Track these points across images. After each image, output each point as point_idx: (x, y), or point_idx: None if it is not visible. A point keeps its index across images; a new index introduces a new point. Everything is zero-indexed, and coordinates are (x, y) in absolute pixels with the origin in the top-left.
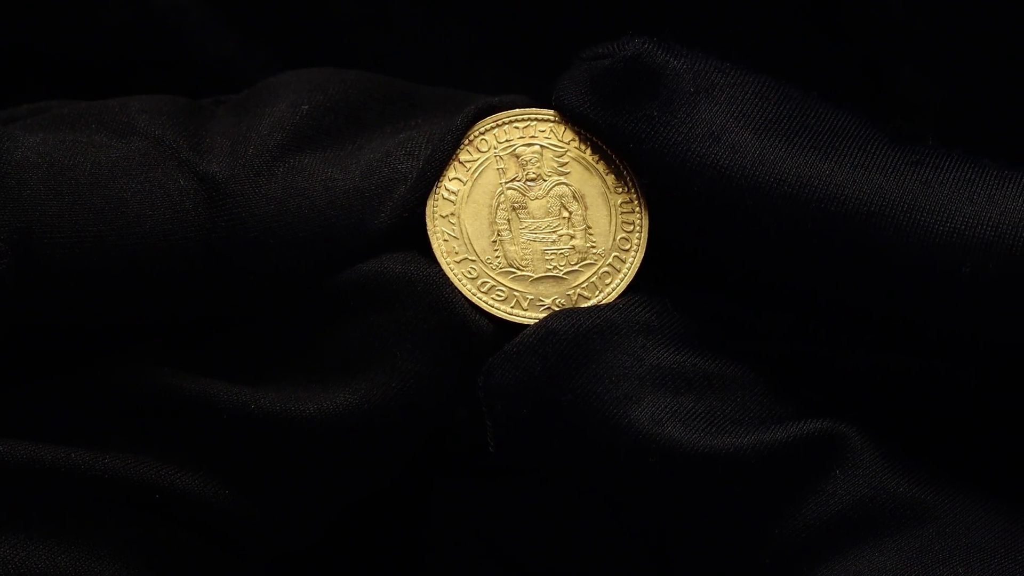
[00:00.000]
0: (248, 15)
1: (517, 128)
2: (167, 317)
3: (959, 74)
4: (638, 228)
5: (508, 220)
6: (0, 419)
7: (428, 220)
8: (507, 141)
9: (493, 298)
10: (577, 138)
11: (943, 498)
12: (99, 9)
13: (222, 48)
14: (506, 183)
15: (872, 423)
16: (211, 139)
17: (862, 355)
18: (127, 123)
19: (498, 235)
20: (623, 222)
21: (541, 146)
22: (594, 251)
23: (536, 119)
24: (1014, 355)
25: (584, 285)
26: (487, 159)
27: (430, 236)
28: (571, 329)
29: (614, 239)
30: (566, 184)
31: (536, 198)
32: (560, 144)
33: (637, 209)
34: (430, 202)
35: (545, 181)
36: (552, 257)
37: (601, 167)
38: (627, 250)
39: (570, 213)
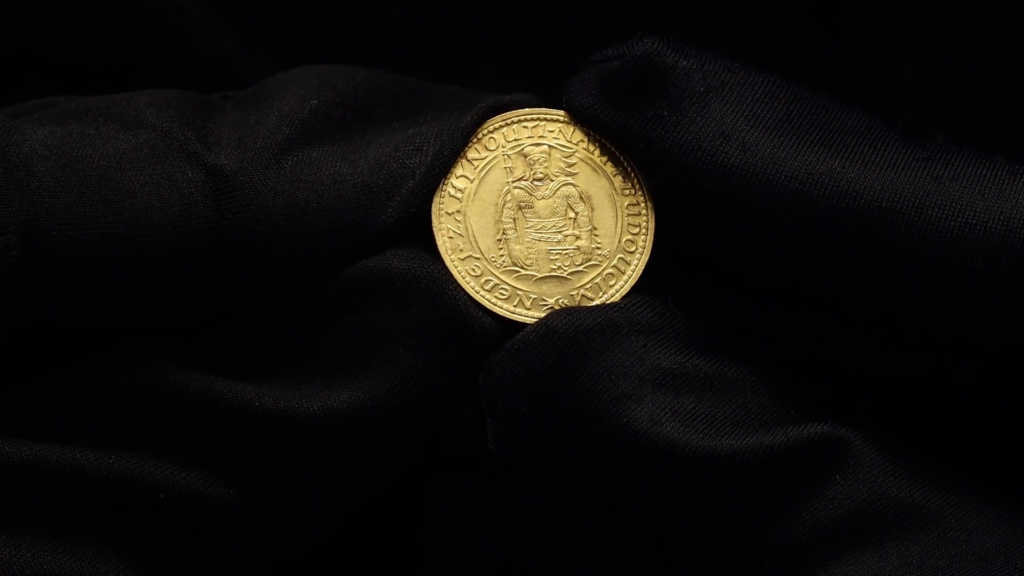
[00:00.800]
0: (248, 15)
1: (526, 127)
2: (174, 310)
3: (959, 74)
4: (644, 230)
5: (514, 219)
6: (5, 419)
7: (434, 217)
8: (515, 140)
9: (496, 296)
10: (586, 139)
11: (947, 503)
12: (99, 9)
13: (222, 48)
14: (513, 182)
15: (879, 425)
16: (219, 132)
17: (871, 355)
18: (135, 116)
19: (503, 234)
20: (629, 224)
21: (549, 146)
22: (599, 252)
23: (545, 119)
24: None
25: (588, 286)
26: (495, 157)
27: (435, 233)
28: (572, 327)
29: (620, 241)
30: (573, 185)
31: (543, 198)
32: (569, 145)
33: (644, 211)
34: (436, 199)
35: (552, 181)
36: (557, 257)
37: (609, 168)
38: (632, 252)
39: (576, 214)
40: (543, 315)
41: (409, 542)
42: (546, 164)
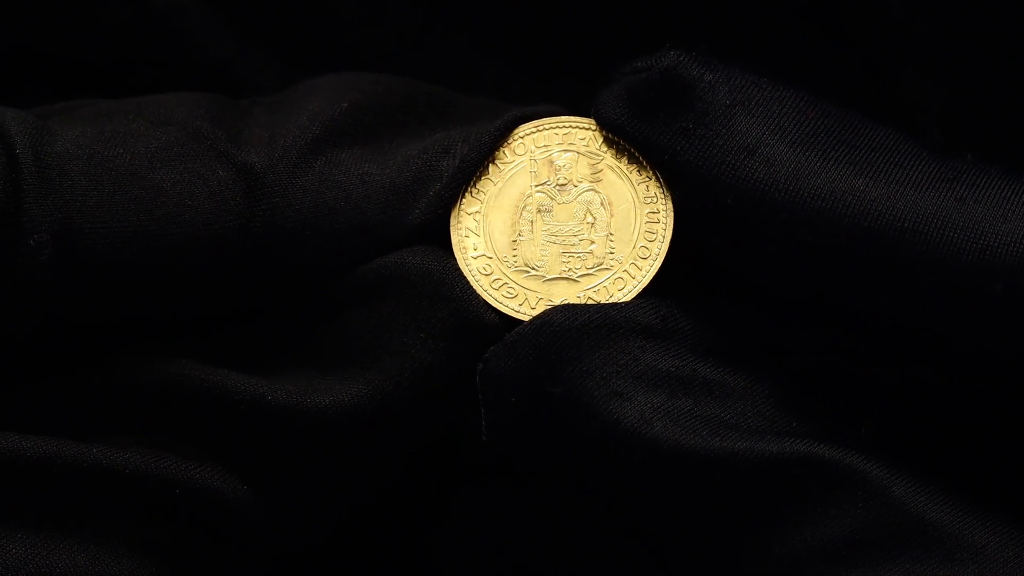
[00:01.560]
0: (248, 15)
1: (556, 134)
2: (201, 308)
3: (961, 75)
4: (660, 238)
5: (531, 221)
6: (21, 415)
7: (453, 216)
8: (545, 146)
9: (503, 294)
10: (614, 148)
11: (955, 521)
12: (99, 9)
13: (222, 48)
14: (536, 186)
15: (888, 442)
16: (249, 131)
17: (883, 372)
18: (165, 115)
19: (519, 235)
20: (646, 232)
21: (577, 153)
22: (612, 257)
23: (576, 127)
24: None
25: (595, 289)
26: (522, 162)
27: (451, 230)
28: (567, 322)
29: (634, 247)
30: (595, 191)
31: (563, 203)
32: (596, 153)
33: (663, 220)
34: (459, 199)
35: (575, 187)
36: (569, 260)
37: (633, 176)
38: (645, 259)
39: (595, 219)
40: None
41: (414, 544)
42: (571, 170)
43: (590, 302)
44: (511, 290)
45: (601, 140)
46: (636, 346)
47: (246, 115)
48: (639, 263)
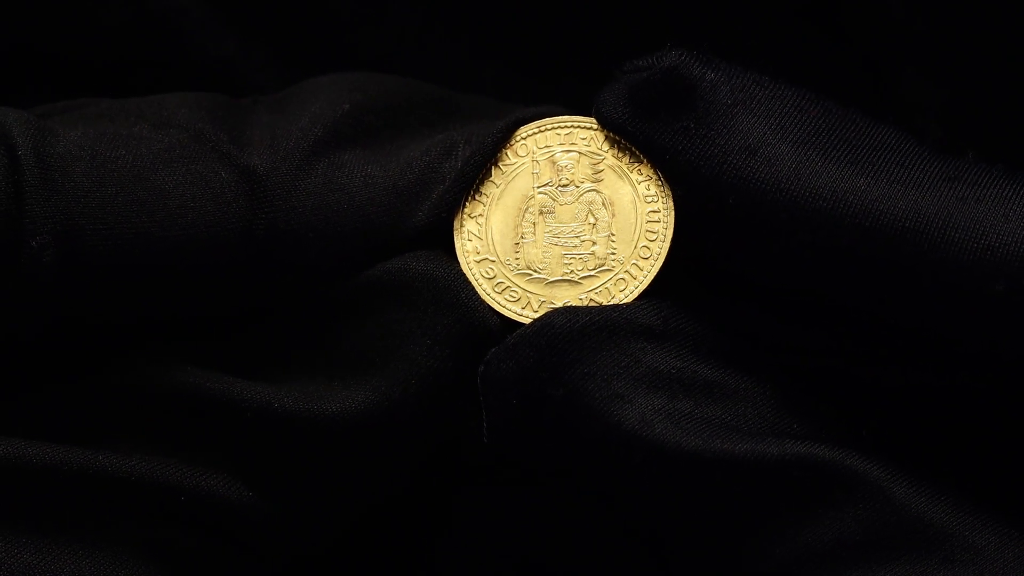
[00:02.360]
0: (248, 15)
1: (559, 135)
2: (204, 310)
3: (961, 75)
4: (661, 238)
5: (534, 223)
6: (27, 421)
7: (456, 219)
8: (547, 147)
9: (506, 298)
10: (616, 147)
11: (955, 522)
12: (99, 9)
13: (222, 48)
14: (538, 187)
15: (887, 442)
16: (251, 133)
17: (884, 373)
18: (167, 117)
19: (521, 237)
20: (647, 231)
21: (580, 153)
22: (613, 258)
23: (578, 126)
24: None
25: (597, 290)
26: (524, 163)
27: (455, 235)
28: (568, 324)
29: (635, 247)
30: (597, 191)
31: (565, 203)
32: (598, 152)
33: (664, 219)
34: (462, 202)
35: (577, 187)
36: (571, 261)
37: (635, 176)
38: (646, 259)
39: (596, 220)
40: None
41: (415, 545)
42: (573, 170)
43: (592, 304)
44: (514, 293)
45: (602, 139)
46: (637, 348)
47: (248, 116)
48: (640, 263)
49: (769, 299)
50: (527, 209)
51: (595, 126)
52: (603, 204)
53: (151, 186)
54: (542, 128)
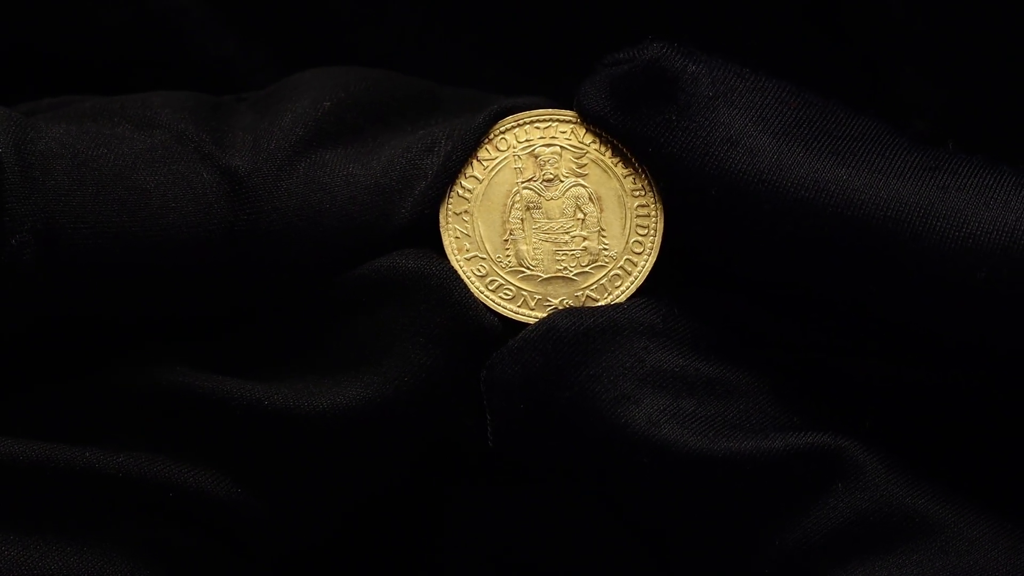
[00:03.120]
0: (248, 15)
1: (538, 128)
2: (187, 310)
3: (960, 75)
4: (652, 232)
5: (521, 220)
6: (14, 418)
7: (441, 217)
8: (527, 141)
9: (500, 296)
10: (597, 140)
11: (950, 513)
12: (99, 9)
13: (222, 48)
14: (522, 183)
15: (882, 434)
16: (233, 133)
17: (875, 364)
18: (150, 116)
19: (510, 234)
20: (638, 226)
21: (561, 147)
22: (606, 253)
23: (557, 120)
24: None
25: (593, 287)
26: (505, 158)
27: (442, 233)
28: (573, 327)
29: (627, 242)
30: (583, 186)
31: (552, 199)
32: (580, 146)
33: (653, 213)
34: (446, 199)
35: (562, 182)
36: (563, 258)
37: (619, 170)
38: (640, 253)
39: (585, 215)
40: (546, 315)
41: (415, 544)
42: (556, 165)
43: (589, 301)
44: (508, 291)
45: (584, 132)
46: (640, 347)
47: (231, 116)
48: (634, 258)
49: (758, 293)
50: (513, 205)
51: (575, 119)
52: (590, 199)
53: (132, 186)
54: (521, 122)
